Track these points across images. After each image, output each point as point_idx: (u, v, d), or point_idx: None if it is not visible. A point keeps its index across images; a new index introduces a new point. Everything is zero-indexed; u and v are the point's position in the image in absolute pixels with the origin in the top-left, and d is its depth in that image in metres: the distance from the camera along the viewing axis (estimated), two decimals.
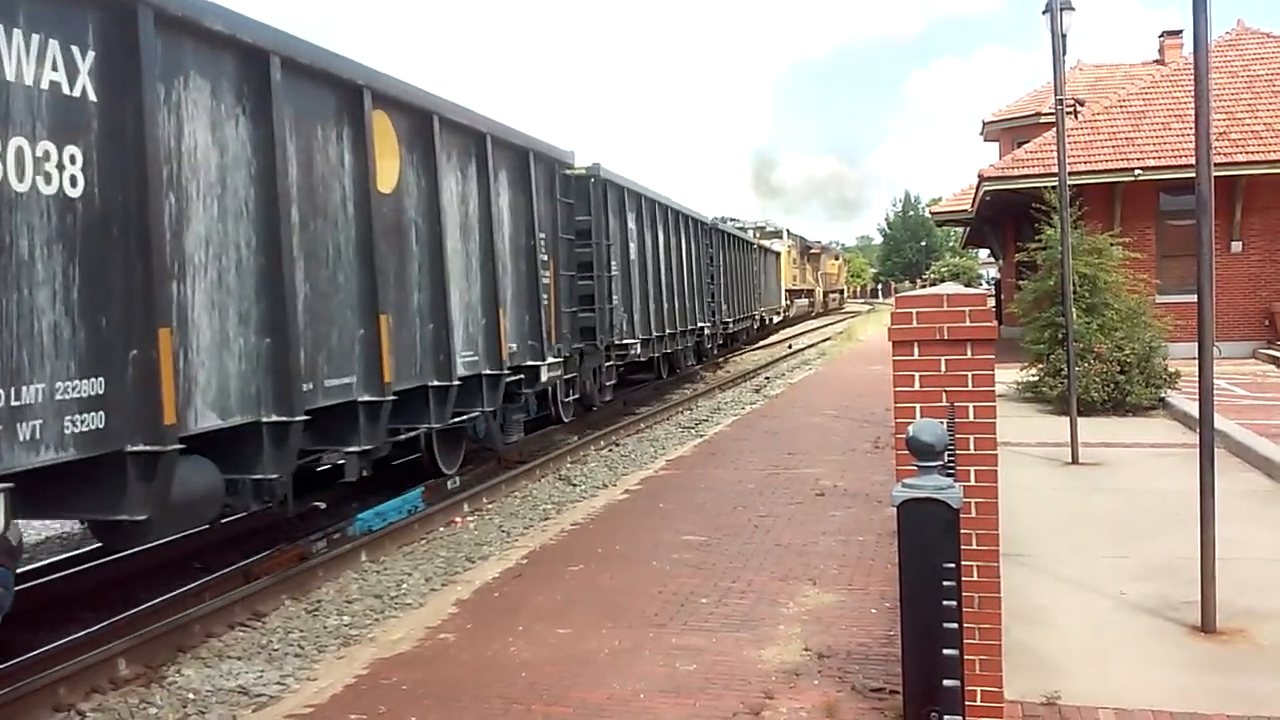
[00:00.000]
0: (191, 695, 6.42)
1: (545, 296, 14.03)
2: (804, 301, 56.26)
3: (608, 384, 17.69)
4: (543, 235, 14.05)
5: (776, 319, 44.98)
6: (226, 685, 6.54)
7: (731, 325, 30.52)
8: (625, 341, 18.21)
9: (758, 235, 42.76)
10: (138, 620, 7.37)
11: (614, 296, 17.45)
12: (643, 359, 20.28)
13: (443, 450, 11.97)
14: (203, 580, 8.39)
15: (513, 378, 12.85)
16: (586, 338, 16.39)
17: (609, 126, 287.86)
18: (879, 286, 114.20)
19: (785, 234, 51.74)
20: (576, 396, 16.16)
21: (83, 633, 7.16)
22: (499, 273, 12.37)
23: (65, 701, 6.21)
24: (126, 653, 6.72)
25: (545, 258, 14.14)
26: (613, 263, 17.44)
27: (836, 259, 79.76)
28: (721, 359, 31.12)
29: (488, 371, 12.03)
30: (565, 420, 15.90)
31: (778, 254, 45.98)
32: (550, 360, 14.06)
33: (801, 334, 45.44)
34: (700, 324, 25.32)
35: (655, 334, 20.57)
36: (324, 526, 9.92)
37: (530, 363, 13.49)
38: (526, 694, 5.62)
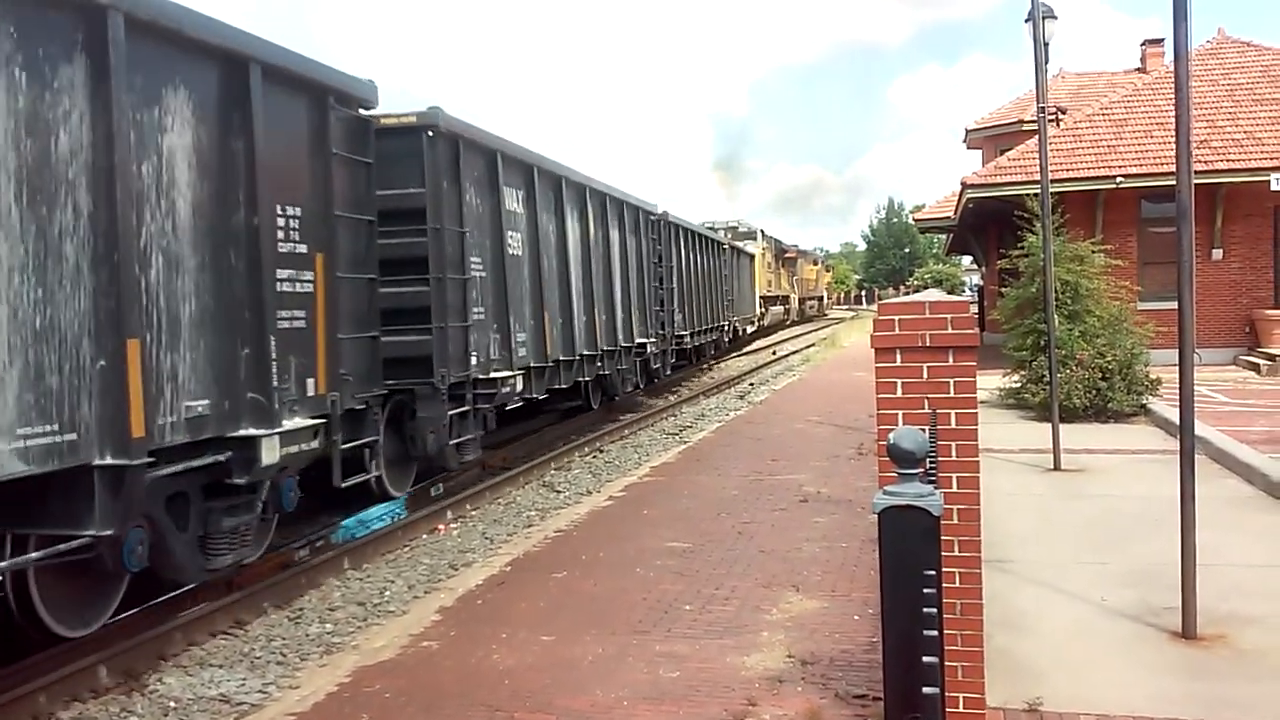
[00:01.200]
0: (173, 704, 6.40)
1: (299, 314, 8.55)
2: (779, 309, 51.33)
3: (468, 437, 12.24)
4: (292, 212, 8.54)
5: (751, 329, 41.01)
6: (208, 693, 6.51)
7: (690, 339, 25.90)
8: (496, 375, 12.73)
9: (729, 236, 38.29)
10: (119, 628, 7.32)
11: (473, 310, 12.19)
12: (533, 398, 14.77)
13: (53, 600, 6.80)
14: (184, 588, 8.34)
15: (193, 464, 7.43)
16: (413, 375, 11.09)
17: (585, 134, 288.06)
18: (863, 293, 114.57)
19: (760, 235, 47.01)
20: (377, 474, 10.42)
21: (63, 641, 7.11)
22: (132, 269, 6.75)
23: (45, 710, 6.17)
24: (107, 661, 6.68)
25: (299, 248, 8.60)
26: (471, 260, 12.16)
27: (815, 264, 73.38)
28: (693, 377, 28.06)
29: (103, 462, 6.50)
30: (395, 495, 11.12)
31: (751, 256, 41.51)
32: (290, 425, 8.21)
33: (785, 340, 45.20)
34: (643, 339, 20.57)
35: (565, 358, 15.51)
36: (307, 534, 9.89)
37: (244, 432, 7.84)
38: (509, 701, 5.61)
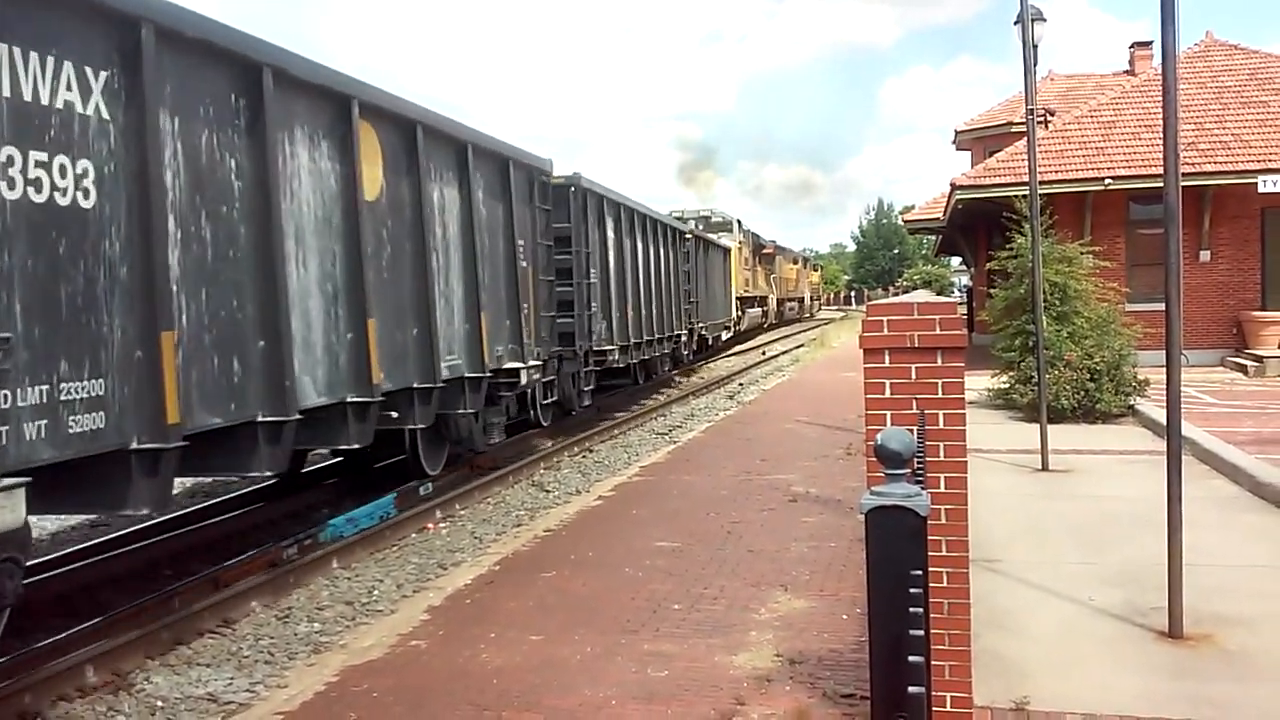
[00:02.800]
0: (160, 703, 6.38)
1: None
2: (756, 312, 45.58)
3: None
4: None
5: (726, 335, 36.04)
6: (195, 692, 6.50)
7: (619, 354, 19.33)
8: None
9: (700, 226, 33.52)
10: (106, 627, 7.30)
11: None
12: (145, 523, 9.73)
13: None
14: (172, 587, 8.32)
15: None
16: None
17: (570, 132, 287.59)
18: (852, 293, 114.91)
19: (737, 225, 40.73)
20: None
21: (49, 640, 7.09)
22: None
23: (31, 709, 6.14)
24: (94, 660, 6.66)
25: None
26: None
27: (795, 262, 65.43)
28: (682, 377, 25.94)
29: None
30: None
31: (726, 250, 35.56)
32: None
33: (774, 341, 45.00)
34: (515, 364, 13.43)
35: (271, 418, 8.14)
36: (295, 533, 9.87)
37: None
38: (497, 701, 5.60)
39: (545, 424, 16.00)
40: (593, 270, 17.52)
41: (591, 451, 15.87)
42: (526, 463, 14.06)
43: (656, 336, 22.61)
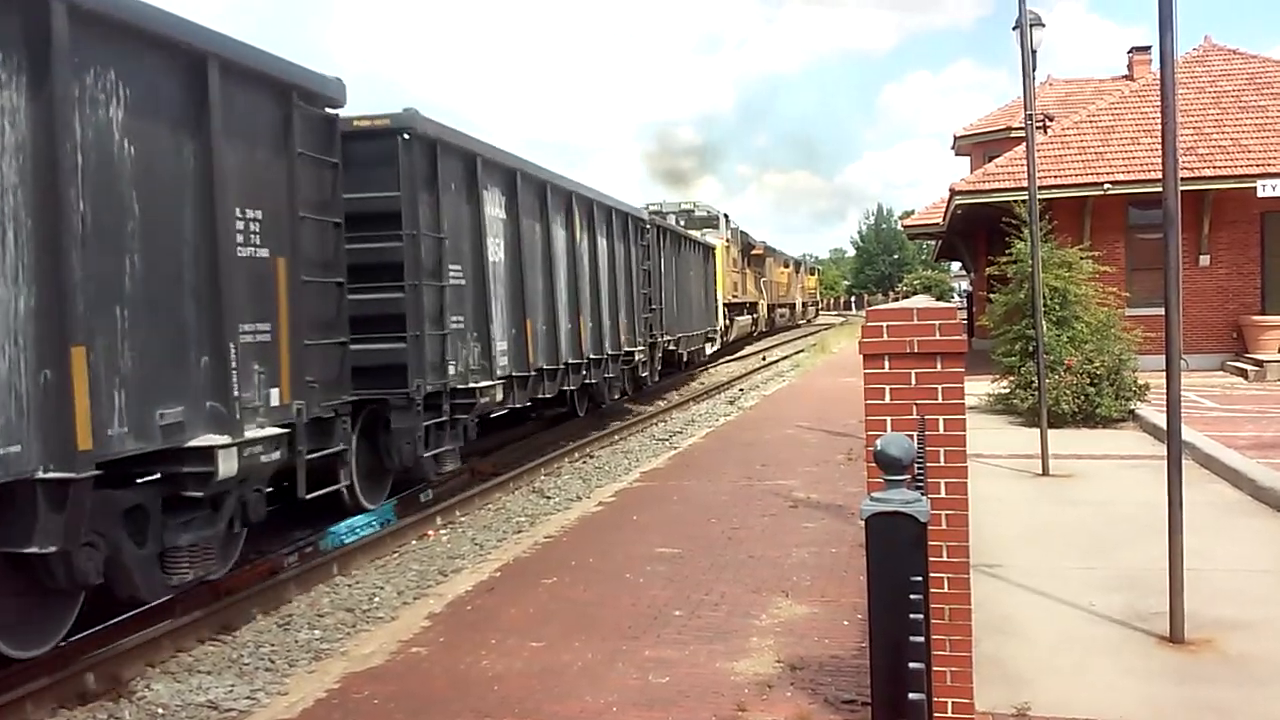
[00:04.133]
0: (160, 710, 6.38)
1: None
2: (746, 319, 39.74)
3: None
4: None
5: (711, 348, 31.36)
6: (196, 700, 6.49)
7: (502, 394, 13.03)
8: None
9: (682, 221, 29.69)
10: (106, 635, 7.29)
11: None
12: None
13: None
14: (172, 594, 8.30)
15: None
16: None
17: (569, 140, 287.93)
18: (852, 299, 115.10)
19: (724, 221, 35.31)
20: None
21: (49, 647, 7.08)
22: None
23: (32, 718, 6.14)
24: (94, 668, 6.66)
25: None
26: None
27: (786, 265, 59.12)
28: (682, 384, 25.45)
29: None
30: None
31: (710, 249, 30.74)
32: None
33: (774, 347, 44.82)
34: (226, 435, 7.49)
35: None
36: (295, 540, 9.86)
37: None
38: (498, 707, 5.60)
39: (370, 507, 10.78)
40: (453, 268, 11.75)
41: (592, 457, 15.87)
42: (527, 469, 14.06)
43: (592, 358, 16.90)
